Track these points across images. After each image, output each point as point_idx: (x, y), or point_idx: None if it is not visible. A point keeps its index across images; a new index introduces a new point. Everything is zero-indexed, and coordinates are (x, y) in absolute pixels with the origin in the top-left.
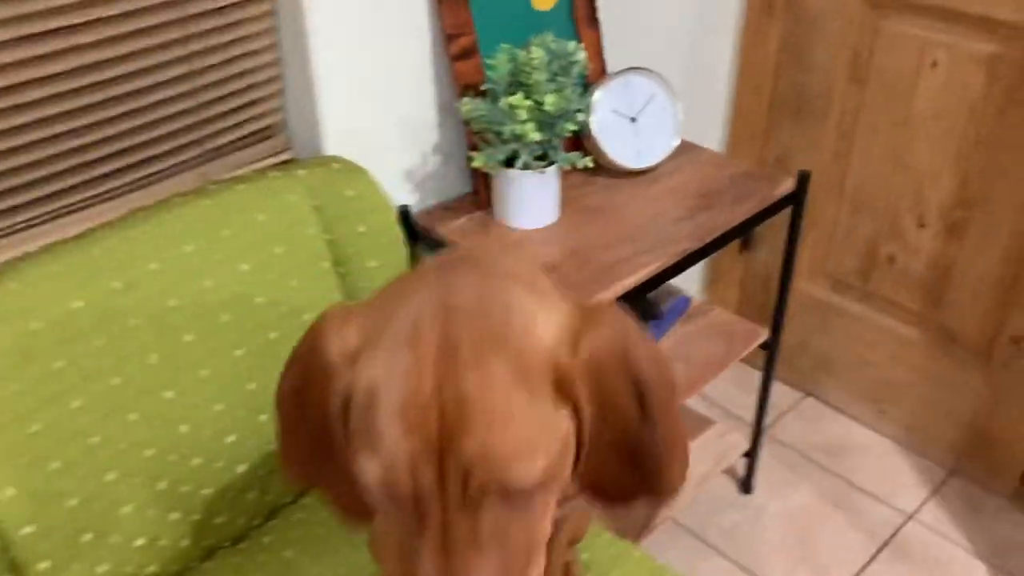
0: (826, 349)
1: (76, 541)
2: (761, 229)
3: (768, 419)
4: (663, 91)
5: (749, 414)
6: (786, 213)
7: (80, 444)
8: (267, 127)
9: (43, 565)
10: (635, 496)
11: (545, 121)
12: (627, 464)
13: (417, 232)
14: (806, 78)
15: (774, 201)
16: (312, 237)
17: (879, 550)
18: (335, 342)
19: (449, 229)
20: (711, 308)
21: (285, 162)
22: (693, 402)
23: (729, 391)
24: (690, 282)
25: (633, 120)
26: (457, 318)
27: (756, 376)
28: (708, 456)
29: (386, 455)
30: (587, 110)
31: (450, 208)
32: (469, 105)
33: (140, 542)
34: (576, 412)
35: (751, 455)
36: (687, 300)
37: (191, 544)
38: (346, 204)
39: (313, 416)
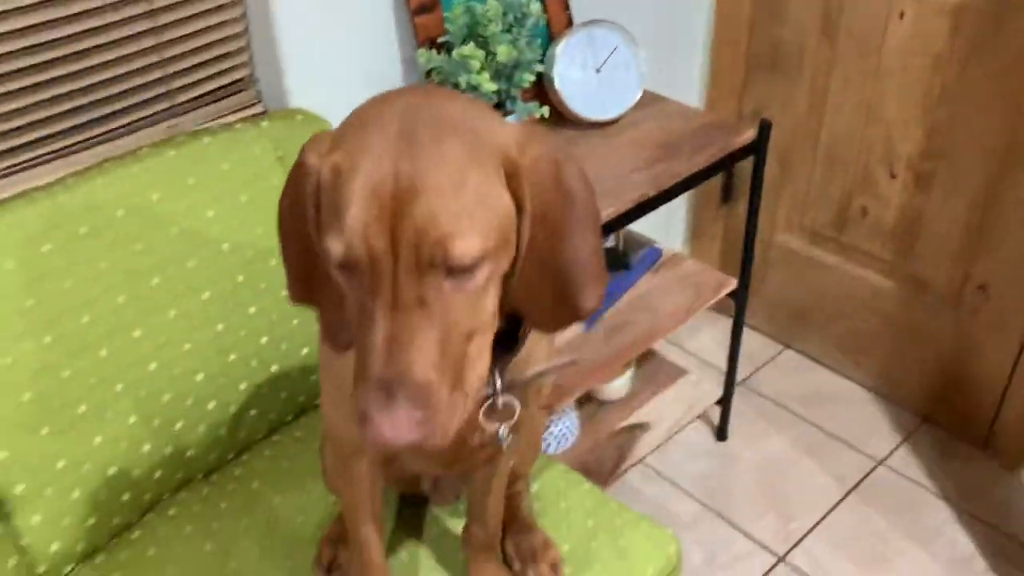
0: (803, 301)
1: (52, 468)
2: (740, 182)
3: (746, 371)
4: (626, 43)
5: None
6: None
7: (52, 377)
8: (235, 81)
9: (19, 489)
10: (555, 317)
11: (500, 72)
12: (551, 283)
13: None
14: (781, 32)
15: (734, 149)
16: (276, 186)
17: (847, 494)
18: (313, 151)
19: None
20: (683, 259)
21: (255, 115)
22: (670, 354)
23: (707, 344)
24: (673, 236)
25: (597, 71)
26: (419, 111)
27: None
28: (681, 403)
29: (349, 227)
30: (548, 62)
31: None
32: (425, 56)
33: (112, 471)
34: (517, 207)
35: (724, 403)
36: (658, 251)
37: (164, 475)
38: None
39: (303, 229)
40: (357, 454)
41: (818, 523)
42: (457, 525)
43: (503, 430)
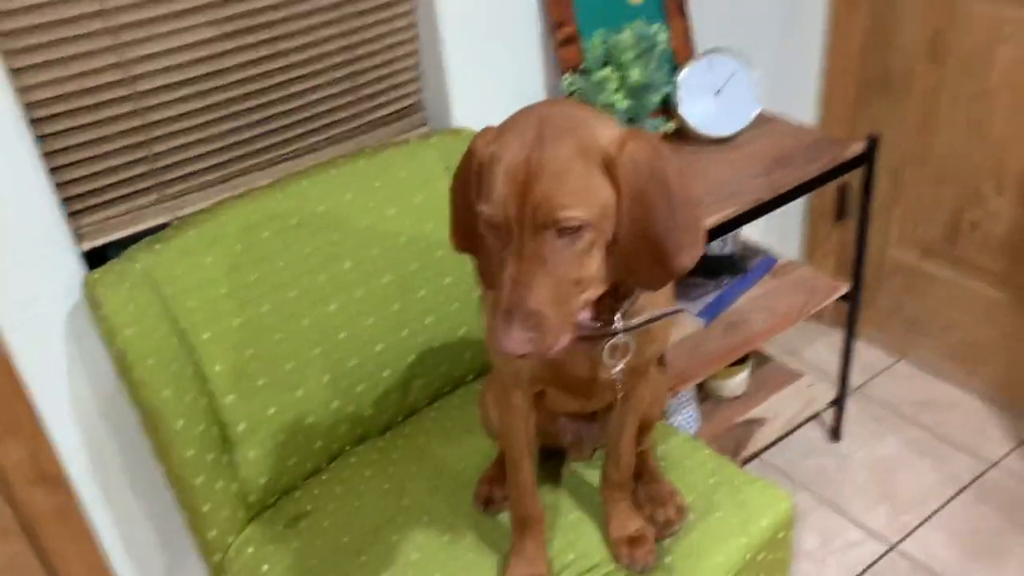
0: (917, 313)
1: (265, 413)
2: (854, 201)
3: (861, 379)
4: (744, 68)
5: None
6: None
7: (268, 338)
8: (407, 107)
9: (241, 427)
10: (653, 276)
11: (632, 92)
12: (649, 248)
13: None
14: (890, 58)
15: (845, 160)
16: (443, 191)
17: (959, 491)
18: (480, 141)
19: None
20: (798, 266)
21: (425, 134)
22: (787, 360)
23: (822, 354)
24: (790, 251)
25: (717, 93)
26: (548, 121)
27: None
28: (796, 402)
29: (493, 197)
30: (674, 86)
31: None
32: (569, 79)
33: (309, 421)
34: (616, 190)
35: (838, 403)
36: (773, 260)
37: (346, 430)
38: None
39: (467, 197)
40: (516, 385)
41: (930, 517)
42: (593, 476)
43: (620, 364)
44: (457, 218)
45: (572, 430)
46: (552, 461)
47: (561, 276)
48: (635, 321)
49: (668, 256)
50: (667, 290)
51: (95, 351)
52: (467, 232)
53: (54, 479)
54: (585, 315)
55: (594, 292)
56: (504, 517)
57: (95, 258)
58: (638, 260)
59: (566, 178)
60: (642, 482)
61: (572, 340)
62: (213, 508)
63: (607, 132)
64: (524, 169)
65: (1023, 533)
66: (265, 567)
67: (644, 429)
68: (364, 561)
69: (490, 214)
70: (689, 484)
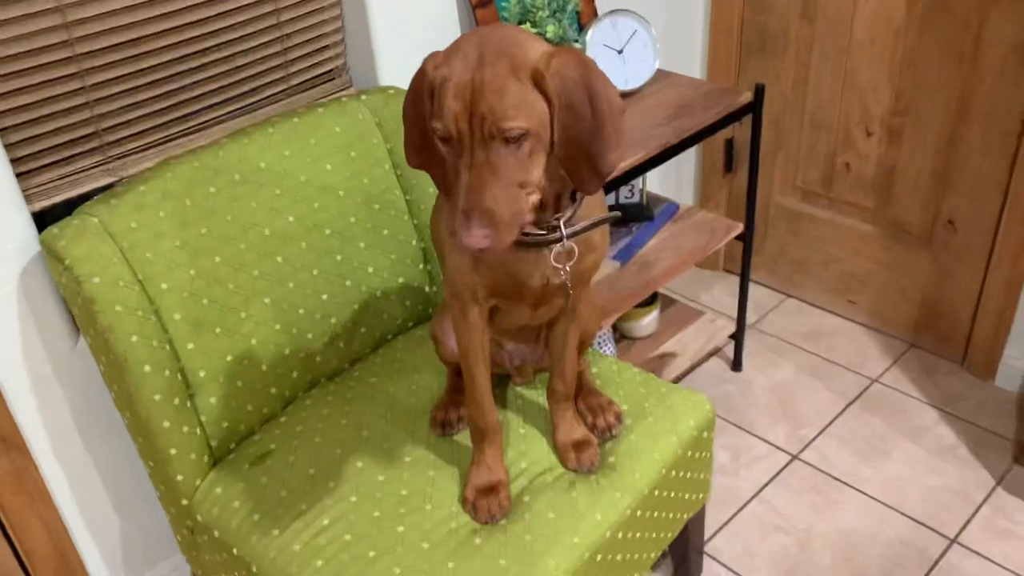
0: (800, 253)
1: (223, 360)
2: (740, 154)
3: (754, 317)
4: (643, 28)
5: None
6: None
7: (221, 288)
8: (333, 69)
9: (201, 374)
10: (588, 177)
11: None
12: (583, 152)
13: None
14: (768, 19)
15: (737, 108)
16: (376, 145)
17: (848, 405)
18: (430, 64)
19: None
20: (697, 211)
21: (356, 92)
22: (690, 301)
23: (719, 297)
24: (686, 201)
25: (620, 52)
26: (488, 43)
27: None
28: (700, 337)
29: (445, 114)
30: (583, 44)
31: None
32: None
33: (264, 367)
34: (548, 103)
35: (737, 337)
36: (676, 206)
37: (299, 376)
38: (399, 120)
39: (419, 113)
40: (473, 300)
41: (824, 428)
42: (535, 396)
43: (567, 267)
44: (411, 137)
45: (517, 354)
46: (499, 388)
47: (509, 180)
48: (577, 227)
49: (598, 157)
50: (602, 202)
51: (49, 310)
52: (420, 148)
53: (10, 441)
54: (529, 218)
55: (537, 196)
56: (460, 438)
57: (36, 224)
58: (573, 163)
59: (505, 93)
60: (581, 396)
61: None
62: (179, 452)
63: (536, 50)
64: (469, 88)
65: (902, 435)
66: (236, 503)
67: (583, 343)
68: (332, 486)
69: (444, 129)
70: (622, 395)
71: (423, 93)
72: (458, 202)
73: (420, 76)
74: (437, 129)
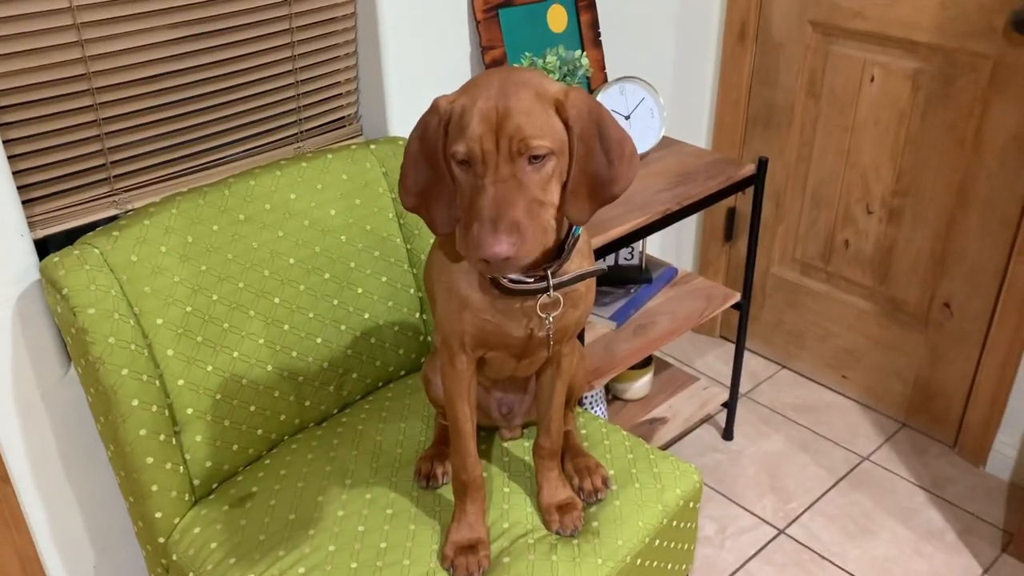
0: (797, 325)
1: (212, 398)
2: (740, 225)
3: (748, 386)
4: (651, 96)
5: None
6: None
7: (216, 328)
8: (345, 116)
9: (189, 411)
10: (589, 203)
11: None
12: (591, 177)
13: None
14: (774, 94)
15: (739, 179)
16: (381, 194)
17: (837, 482)
18: (443, 101)
19: None
20: (695, 277)
21: (364, 142)
22: (684, 365)
23: (713, 364)
24: (684, 266)
25: (627, 117)
26: (507, 79)
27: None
28: (692, 403)
29: (469, 135)
30: None
31: None
32: None
33: (253, 408)
34: (567, 130)
35: (730, 405)
36: (675, 270)
37: (287, 419)
38: None
39: (428, 148)
40: (460, 349)
41: (812, 504)
42: (521, 452)
43: (551, 316)
44: (411, 174)
45: (505, 403)
46: (485, 444)
47: (532, 196)
48: (564, 277)
49: (609, 183)
50: (590, 258)
51: (42, 337)
52: (421, 187)
53: None
54: (550, 239)
55: (552, 212)
56: (443, 492)
57: (38, 251)
58: (582, 189)
59: (532, 116)
60: (568, 456)
61: (508, 286)
62: (160, 489)
63: (555, 85)
64: (495, 112)
65: (890, 515)
66: (213, 545)
67: (570, 399)
68: (312, 534)
69: (467, 150)
70: (610, 460)
71: (433, 126)
72: (481, 214)
73: (432, 111)
74: (458, 152)
